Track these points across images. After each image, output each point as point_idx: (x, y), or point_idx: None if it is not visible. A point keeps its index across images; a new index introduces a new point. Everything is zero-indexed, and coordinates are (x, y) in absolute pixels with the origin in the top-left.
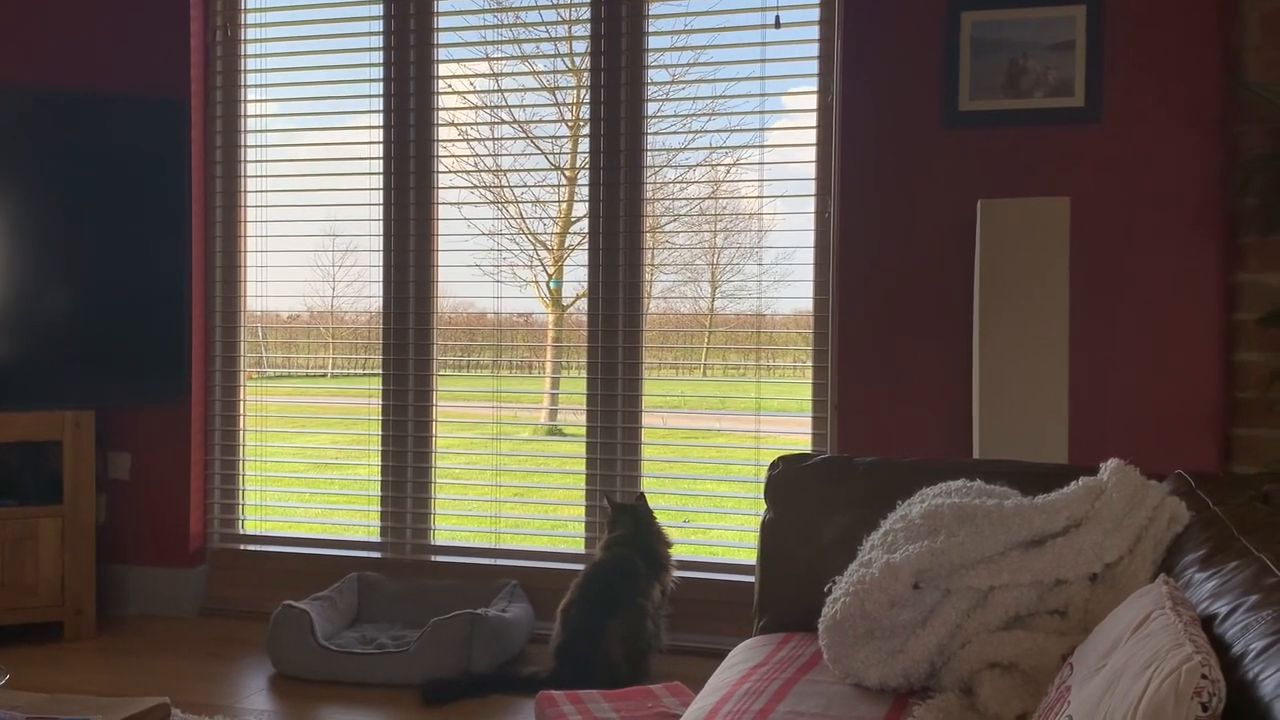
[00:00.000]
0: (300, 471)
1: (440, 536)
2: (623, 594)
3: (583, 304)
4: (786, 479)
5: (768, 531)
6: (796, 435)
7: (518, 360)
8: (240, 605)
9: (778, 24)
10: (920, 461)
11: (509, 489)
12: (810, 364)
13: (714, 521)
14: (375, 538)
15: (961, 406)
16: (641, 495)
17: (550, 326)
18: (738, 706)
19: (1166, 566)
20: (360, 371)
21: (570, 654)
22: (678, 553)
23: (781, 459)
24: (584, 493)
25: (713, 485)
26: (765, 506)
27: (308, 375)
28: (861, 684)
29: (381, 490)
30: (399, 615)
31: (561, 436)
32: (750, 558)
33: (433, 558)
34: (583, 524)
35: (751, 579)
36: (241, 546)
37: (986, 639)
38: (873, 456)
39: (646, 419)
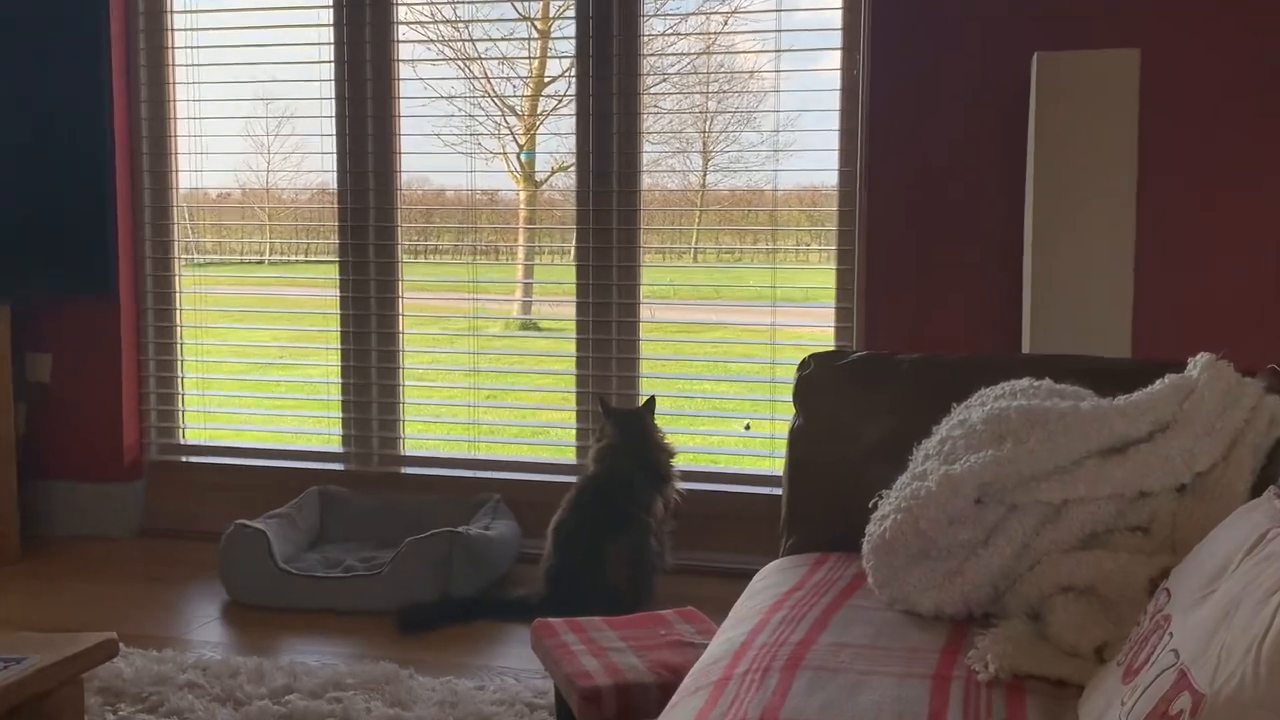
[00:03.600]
0: (247, 373)
1: (410, 446)
2: (621, 509)
3: (558, 180)
4: (818, 380)
5: (797, 439)
6: (816, 329)
7: (482, 244)
8: (185, 524)
9: None
10: (974, 357)
11: (488, 392)
12: (834, 247)
13: (722, 427)
14: (336, 447)
15: (1008, 295)
16: (651, 399)
17: (522, 205)
18: (773, 637)
19: (1268, 476)
20: (301, 258)
21: (564, 576)
22: (684, 462)
23: (812, 357)
24: (574, 396)
25: (716, 386)
26: (794, 411)
27: (241, 262)
28: (913, 610)
29: (342, 394)
30: (367, 534)
31: (537, 332)
32: (765, 467)
33: (403, 469)
34: (573, 431)
35: (766, 490)
36: (183, 458)
37: (1059, 560)
38: (918, 353)
39: (642, 311)
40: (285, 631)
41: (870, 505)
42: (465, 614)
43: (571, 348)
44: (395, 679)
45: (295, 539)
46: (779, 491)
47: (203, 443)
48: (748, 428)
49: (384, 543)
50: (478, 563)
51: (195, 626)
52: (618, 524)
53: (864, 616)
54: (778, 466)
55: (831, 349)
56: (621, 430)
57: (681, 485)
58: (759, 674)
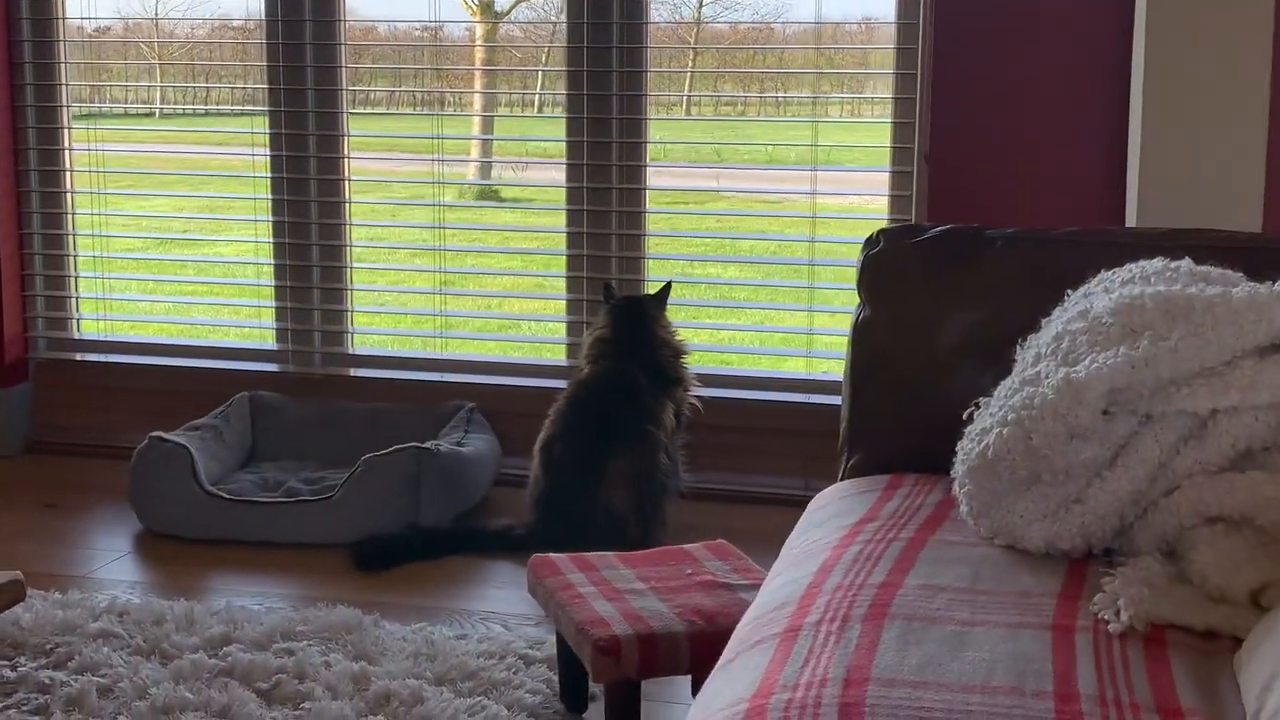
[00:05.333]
0: (156, 250)
1: (362, 342)
2: (623, 420)
3: (523, 11)
4: (890, 261)
5: (863, 334)
6: (866, 198)
7: (422, 92)
8: (82, 437)
9: None
10: (1086, 233)
11: (458, 275)
12: (890, 95)
13: (751, 320)
14: (270, 343)
15: (1109, 158)
16: (666, 287)
17: (478, 42)
18: (848, 579)
19: None
20: (200, 109)
21: (556, 504)
22: (699, 363)
23: (882, 233)
24: (564, 282)
25: (724, 269)
26: (858, 300)
27: (125, 114)
28: (1018, 545)
29: (276, 278)
30: (308, 450)
31: (498, 202)
32: (799, 369)
33: (352, 371)
34: (563, 325)
35: (801, 398)
36: (79, 356)
37: (1205, 483)
38: (1014, 227)
39: (652, 177)
40: (215, 568)
41: (965, 416)
42: (435, 548)
43: (560, 221)
44: (358, 626)
45: (223, 456)
46: (818, 399)
47: (103, 337)
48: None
49: (330, 461)
50: (449, 486)
51: (103, 563)
52: (619, 438)
53: (957, 553)
54: (815, 369)
55: (900, 223)
56: (617, 321)
57: (698, 390)
58: (837, 623)
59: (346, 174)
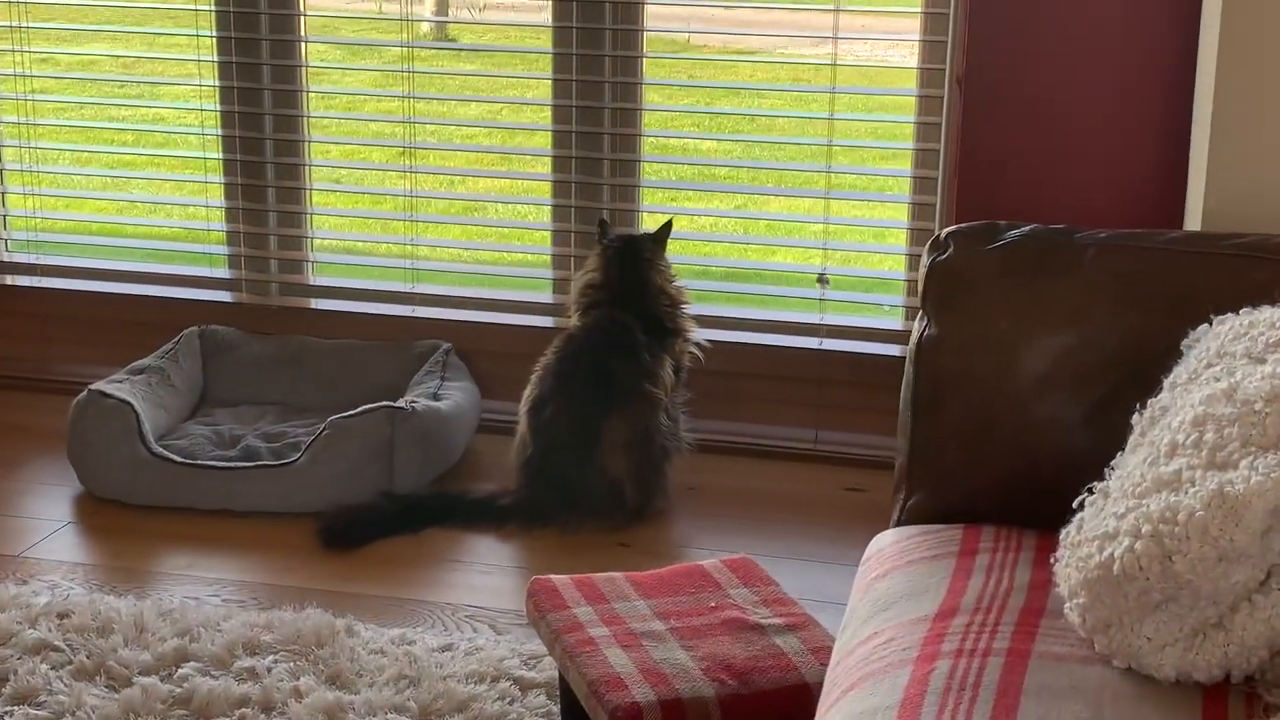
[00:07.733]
0: (97, 141)
1: (322, 272)
2: (620, 379)
3: None
4: (960, 270)
5: (927, 356)
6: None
7: None
8: (13, 369)
9: None
10: (1195, 239)
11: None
12: (919, 9)
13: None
14: (221, 270)
15: (1170, 123)
16: (667, 224)
17: None
18: None
19: None
20: None
21: (547, 471)
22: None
23: (950, 235)
24: (549, 210)
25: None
26: (920, 315)
27: None
28: (1141, 670)
29: (224, 174)
30: (270, 394)
31: (454, 46)
32: (801, 309)
33: (313, 303)
34: (548, 256)
35: (824, 344)
36: (10, 280)
37: None
38: (1105, 230)
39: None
40: (166, 545)
41: (1075, 504)
42: (411, 520)
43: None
44: (330, 637)
45: (171, 404)
46: (831, 345)
47: (33, 259)
48: (824, 281)
49: (293, 409)
50: (427, 448)
51: (40, 537)
52: (615, 399)
53: (1069, 677)
54: (829, 311)
55: (977, 223)
56: (610, 265)
57: (698, 336)
58: None
59: (301, 30)
